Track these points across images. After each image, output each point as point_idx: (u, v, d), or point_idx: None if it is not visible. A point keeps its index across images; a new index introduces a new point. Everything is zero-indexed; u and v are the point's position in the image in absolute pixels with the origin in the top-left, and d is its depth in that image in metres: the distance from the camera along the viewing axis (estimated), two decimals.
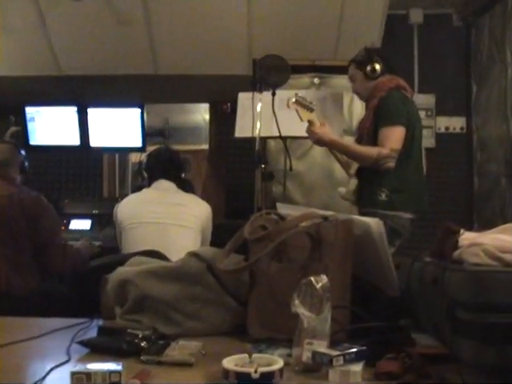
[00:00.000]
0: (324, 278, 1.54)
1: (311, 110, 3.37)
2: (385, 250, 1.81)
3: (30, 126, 5.24)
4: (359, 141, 3.59)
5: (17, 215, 3.34)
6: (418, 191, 3.51)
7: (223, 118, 5.26)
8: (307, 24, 4.56)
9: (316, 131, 3.39)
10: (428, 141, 5.47)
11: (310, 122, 3.38)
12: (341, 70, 4.12)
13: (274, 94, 3.61)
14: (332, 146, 3.56)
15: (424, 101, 5.46)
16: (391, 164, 3.33)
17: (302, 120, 3.39)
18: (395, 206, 3.40)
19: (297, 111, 3.37)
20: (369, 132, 3.46)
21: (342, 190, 3.61)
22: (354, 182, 3.57)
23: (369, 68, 3.53)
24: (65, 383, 1.44)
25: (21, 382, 1.53)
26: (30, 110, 5.23)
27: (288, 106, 3.41)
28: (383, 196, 3.37)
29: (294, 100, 3.35)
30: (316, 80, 4.81)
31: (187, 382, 1.48)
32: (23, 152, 3.73)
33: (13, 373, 1.62)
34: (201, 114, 5.48)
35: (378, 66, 3.52)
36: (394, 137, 3.34)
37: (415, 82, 5.57)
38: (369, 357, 1.49)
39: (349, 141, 3.80)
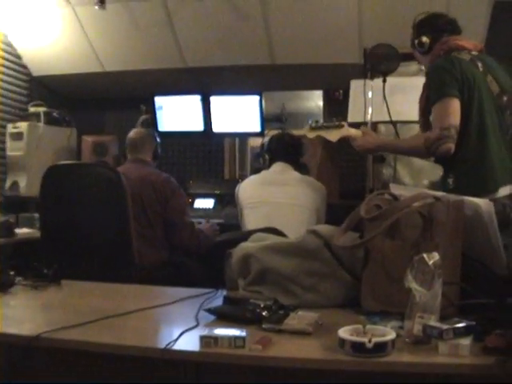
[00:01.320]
0: (436, 255, 1.52)
1: (338, 126, 2.84)
2: (494, 230, 1.76)
3: (159, 114, 5.41)
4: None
5: (149, 196, 3.45)
6: (491, 169, 2.65)
7: (336, 104, 5.23)
8: (416, 11, 4.43)
9: (358, 143, 2.86)
10: None
11: (348, 138, 2.86)
12: None
13: (384, 81, 3.55)
14: (382, 151, 3.12)
15: None
16: (449, 145, 2.55)
17: (334, 141, 2.89)
18: (465, 192, 2.11)
19: (322, 138, 2.89)
20: (424, 113, 2.81)
21: (425, 182, 3.32)
22: (438, 173, 2.97)
23: (416, 43, 2.90)
24: (194, 345, 1.51)
25: (155, 343, 1.61)
26: (158, 100, 5.39)
27: (309, 138, 2.91)
28: (450, 183, 2.68)
29: (308, 131, 2.88)
30: (423, 67, 4.68)
31: (306, 349, 1.51)
32: (158, 139, 3.85)
33: (148, 335, 1.71)
34: (314, 100, 5.45)
35: (423, 38, 2.86)
36: (442, 113, 2.61)
37: None
38: (478, 332, 1.47)
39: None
